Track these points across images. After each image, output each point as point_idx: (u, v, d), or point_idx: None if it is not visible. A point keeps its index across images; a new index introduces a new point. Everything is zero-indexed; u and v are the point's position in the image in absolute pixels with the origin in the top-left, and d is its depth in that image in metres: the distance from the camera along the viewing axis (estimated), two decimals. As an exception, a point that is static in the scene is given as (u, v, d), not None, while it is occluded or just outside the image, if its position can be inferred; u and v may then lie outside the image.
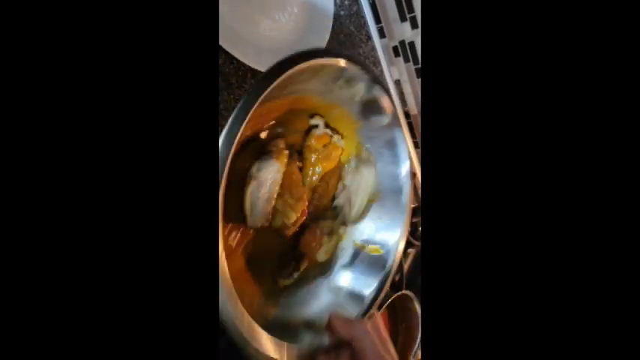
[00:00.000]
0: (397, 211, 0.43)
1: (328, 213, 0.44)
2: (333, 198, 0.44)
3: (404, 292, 0.50)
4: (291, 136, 0.39)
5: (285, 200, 0.35)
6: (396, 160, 0.43)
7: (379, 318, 0.34)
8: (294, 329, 0.34)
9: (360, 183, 0.42)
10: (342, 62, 0.33)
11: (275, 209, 0.35)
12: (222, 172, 0.24)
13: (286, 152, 0.35)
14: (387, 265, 0.41)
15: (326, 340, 0.31)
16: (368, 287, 0.40)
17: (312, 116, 0.40)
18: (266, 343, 0.27)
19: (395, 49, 0.60)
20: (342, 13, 0.53)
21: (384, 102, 0.39)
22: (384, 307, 0.40)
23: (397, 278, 0.59)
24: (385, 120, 0.41)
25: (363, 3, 0.57)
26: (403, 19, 0.56)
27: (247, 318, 0.26)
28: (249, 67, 0.39)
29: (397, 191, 0.43)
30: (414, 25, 0.56)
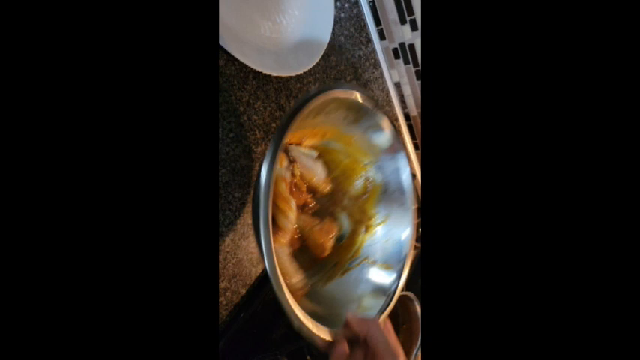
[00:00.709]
0: (404, 210, 0.44)
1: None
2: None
3: (405, 293, 0.50)
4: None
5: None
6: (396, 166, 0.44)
7: (389, 323, 0.35)
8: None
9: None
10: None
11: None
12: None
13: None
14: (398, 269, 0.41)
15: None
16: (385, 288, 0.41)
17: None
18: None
19: (395, 51, 0.61)
20: (342, 15, 0.54)
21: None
22: (388, 309, 0.41)
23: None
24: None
25: (363, 5, 0.57)
26: (403, 21, 0.56)
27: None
28: (251, 68, 0.40)
29: (401, 192, 0.44)
30: (413, 28, 0.56)
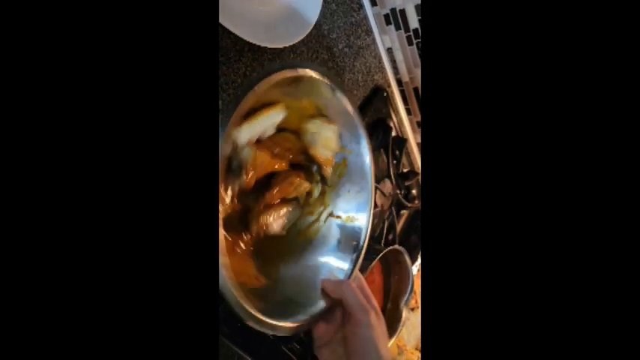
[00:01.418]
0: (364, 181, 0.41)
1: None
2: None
3: (395, 247, 0.55)
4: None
5: None
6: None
7: (363, 279, 0.37)
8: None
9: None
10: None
11: None
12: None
13: None
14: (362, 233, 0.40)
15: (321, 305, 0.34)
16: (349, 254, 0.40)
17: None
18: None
19: (386, 16, 0.61)
20: (333, -18, 0.54)
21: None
22: (377, 258, 0.45)
23: (391, 237, 0.65)
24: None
25: (354, -29, 0.58)
26: (394, -14, 0.57)
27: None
28: (246, 41, 0.42)
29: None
30: (404, -7, 0.57)
